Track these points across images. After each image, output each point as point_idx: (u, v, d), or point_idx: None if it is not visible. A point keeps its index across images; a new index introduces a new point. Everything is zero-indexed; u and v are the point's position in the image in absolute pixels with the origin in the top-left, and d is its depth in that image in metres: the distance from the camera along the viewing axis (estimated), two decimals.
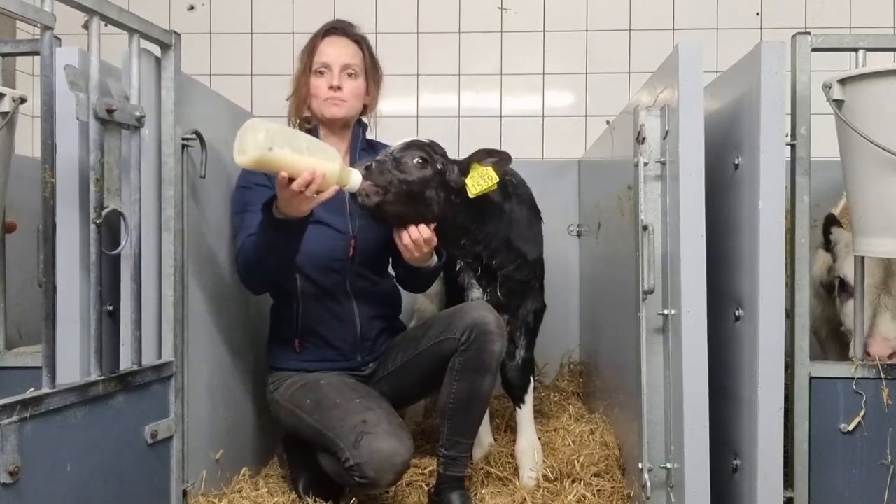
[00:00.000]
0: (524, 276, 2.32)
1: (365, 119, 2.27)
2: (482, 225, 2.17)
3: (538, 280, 2.40)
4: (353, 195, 1.87)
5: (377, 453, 1.82)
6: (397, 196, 1.91)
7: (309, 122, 2.20)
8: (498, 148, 2.08)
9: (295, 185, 1.70)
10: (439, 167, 2.01)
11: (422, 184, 1.96)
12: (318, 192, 1.74)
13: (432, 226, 1.99)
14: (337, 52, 2.14)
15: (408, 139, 2.04)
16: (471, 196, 2.02)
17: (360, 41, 2.19)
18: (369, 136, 2.30)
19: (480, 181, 2.02)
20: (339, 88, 2.11)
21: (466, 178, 2.03)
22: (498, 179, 2.02)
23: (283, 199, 1.77)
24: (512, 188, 2.31)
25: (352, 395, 1.99)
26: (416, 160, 1.97)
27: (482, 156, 2.05)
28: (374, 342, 2.18)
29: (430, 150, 2.02)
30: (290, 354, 2.13)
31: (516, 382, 2.35)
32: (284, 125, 1.80)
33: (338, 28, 2.18)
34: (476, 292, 2.30)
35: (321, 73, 2.13)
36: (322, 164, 1.70)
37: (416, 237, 1.94)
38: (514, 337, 2.36)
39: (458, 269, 2.27)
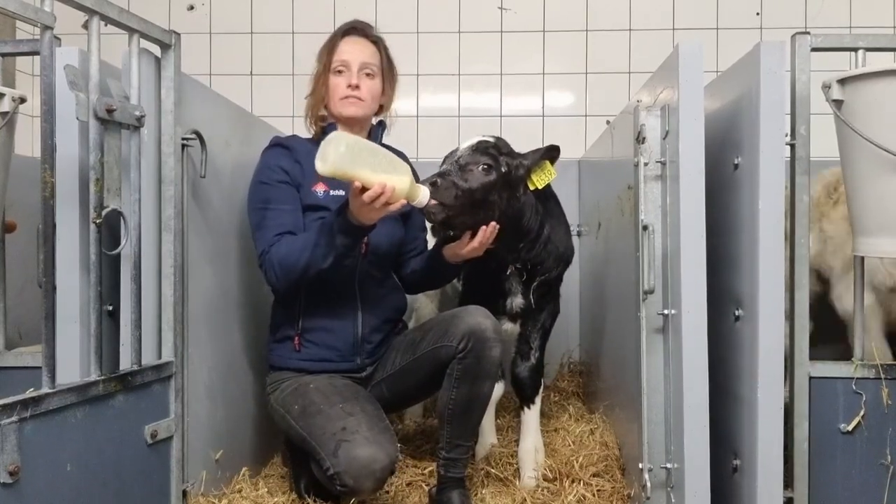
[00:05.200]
0: (554, 280, 2.33)
1: (384, 120, 2.26)
2: (541, 230, 2.20)
3: (559, 283, 2.41)
4: (421, 209, 1.94)
5: (355, 461, 1.81)
6: (462, 208, 1.97)
7: (324, 120, 2.20)
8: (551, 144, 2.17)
9: (365, 197, 1.79)
10: (504, 170, 2.06)
11: (486, 191, 2.02)
12: (386, 205, 1.82)
13: (493, 227, 2.01)
14: (356, 51, 2.15)
15: (474, 140, 2.11)
16: (535, 188, 2.14)
17: (378, 42, 2.21)
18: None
19: (543, 176, 2.15)
20: (357, 87, 2.12)
21: (532, 175, 2.13)
22: (556, 174, 2.16)
23: (355, 206, 1.85)
24: (549, 189, 2.32)
25: (336, 400, 1.97)
26: (481, 167, 2.02)
27: (547, 152, 2.13)
28: (375, 345, 2.17)
29: (495, 154, 2.06)
30: (290, 354, 2.12)
31: (529, 383, 2.35)
32: (364, 139, 1.92)
33: (357, 28, 2.20)
34: (518, 299, 2.29)
35: (340, 71, 2.14)
36: (393, 179, 1.81)
37: (483, 240, 2.01)
38: (530, 339, 2.36)
39: (508, 273, 2.26)
